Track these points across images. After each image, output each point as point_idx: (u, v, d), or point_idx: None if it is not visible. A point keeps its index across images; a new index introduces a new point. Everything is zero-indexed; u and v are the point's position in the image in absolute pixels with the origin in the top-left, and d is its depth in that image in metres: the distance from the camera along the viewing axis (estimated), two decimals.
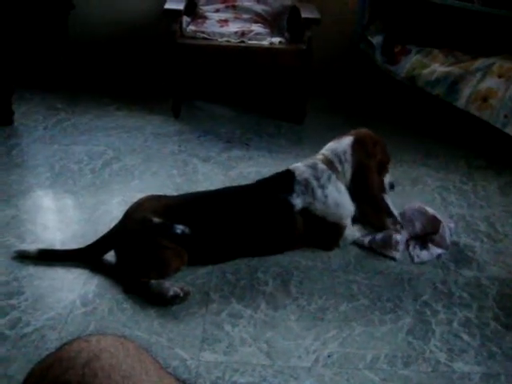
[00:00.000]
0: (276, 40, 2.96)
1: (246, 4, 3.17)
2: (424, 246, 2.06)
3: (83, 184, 2.38)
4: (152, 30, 3.35)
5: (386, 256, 2.02)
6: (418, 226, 2.11)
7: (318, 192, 1.97)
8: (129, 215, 1.87)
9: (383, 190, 2.10)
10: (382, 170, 2.10)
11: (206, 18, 3.13)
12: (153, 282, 1.73)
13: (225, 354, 1.53)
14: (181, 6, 2.80)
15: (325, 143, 2.15)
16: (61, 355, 0.57)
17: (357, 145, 2.04)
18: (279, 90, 3.29)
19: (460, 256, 2.05)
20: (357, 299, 1.78)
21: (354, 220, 2.08)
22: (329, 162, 2.03)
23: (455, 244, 2.11)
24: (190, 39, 2.97)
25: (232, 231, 1.90)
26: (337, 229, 2.01)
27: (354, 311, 1.73)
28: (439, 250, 2.05)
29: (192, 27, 3.04)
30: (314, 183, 1.98)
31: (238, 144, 2.85)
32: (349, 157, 2.02)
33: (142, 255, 1.79)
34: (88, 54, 3.51)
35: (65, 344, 0.60)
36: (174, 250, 1.80)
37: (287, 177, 2.00)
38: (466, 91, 2.77)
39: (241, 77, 3.23)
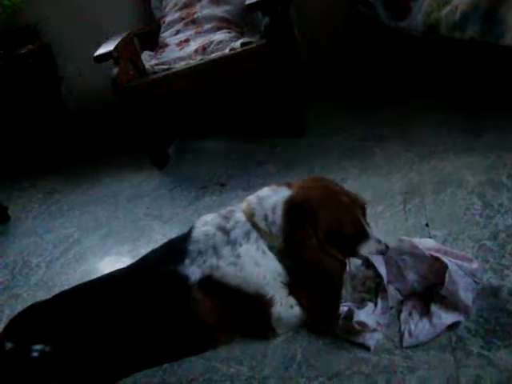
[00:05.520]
0: (237, 44, 2.28)
1: (206, 12, 2.54)
2: (424, 313, 1.19)
3: (33, 282, 2.01)
4: None
5: (355, 343, 1.20)
6: (411, 277, 1.25)
7: (225, 250, 1.26)
8: None
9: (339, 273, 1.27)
10: (342, 245, 1.26)
11: (166, 45, 2.60)
12: None
13: None
14: (111, 47, 2.29)
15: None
16: None
17: (289, 206, 1.27)
18: (265, 103, 2.55)
19: (493, 326, 1.13)
20: None
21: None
22: (251, 214, 1.31)
23: (486, 302, 1.18)
24: (152, 75, 2.46)
25: (108, 339, 1.29)
26: (259, 304, 1.25)
27: None
28: (451, 318, 1.16)
29: (152, 62, 2.53)
30: (218, 237, 1.28)
31: (212, 188, 2.22)
32: (278, 219, 1.26)
33: None
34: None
35: None
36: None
37: (184, 237, 1.34)
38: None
39: (218, 99, 2.59)
